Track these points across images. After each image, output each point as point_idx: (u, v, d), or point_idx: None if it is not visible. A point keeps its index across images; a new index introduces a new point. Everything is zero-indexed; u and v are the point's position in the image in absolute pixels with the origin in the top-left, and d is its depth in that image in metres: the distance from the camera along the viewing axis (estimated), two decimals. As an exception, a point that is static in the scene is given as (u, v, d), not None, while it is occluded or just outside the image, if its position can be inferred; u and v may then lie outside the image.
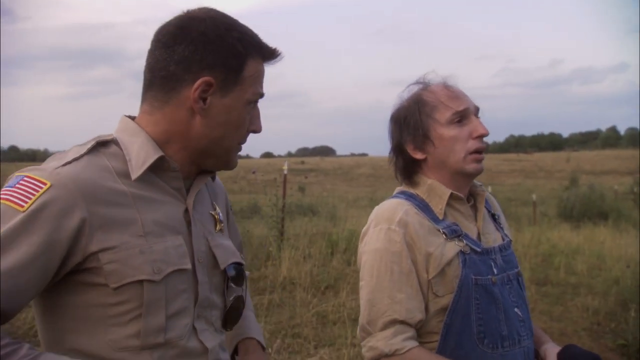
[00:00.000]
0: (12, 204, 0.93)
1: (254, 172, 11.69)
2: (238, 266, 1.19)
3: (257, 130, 1.15)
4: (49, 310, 1.03)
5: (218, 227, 1.19)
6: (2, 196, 0.95)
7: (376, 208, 1.44)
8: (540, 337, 1.49)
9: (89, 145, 1.05)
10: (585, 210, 13.67)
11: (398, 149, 1.45)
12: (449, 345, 1.33)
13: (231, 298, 1.17)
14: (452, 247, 1.35)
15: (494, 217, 1.54)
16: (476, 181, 1.50)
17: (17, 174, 0.99)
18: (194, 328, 1.08)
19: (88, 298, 0.99)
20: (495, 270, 1.39)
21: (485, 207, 1.51)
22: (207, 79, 1.05)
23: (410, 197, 1.43)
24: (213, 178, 1.26)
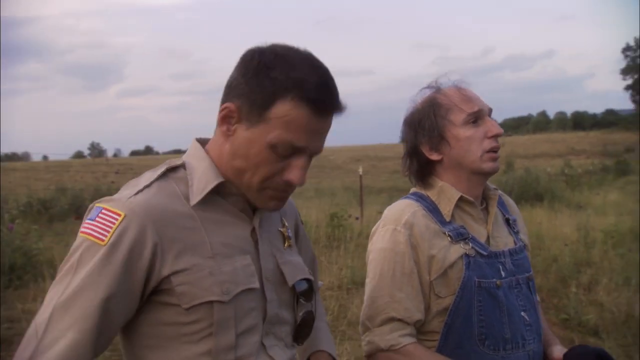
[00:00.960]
0: (94, 239, 1.00)
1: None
2: (307, 282, 1.21)
3: (291, 180, 1.08)
4: (128, 327, 1.06)
5: (287, 244, 1.21)
6: (86, 230, 1.01)
7: (387, 208, 1.47)
8: (549, 341, 1.53)
9: (159, 172, 1.09)
10: (522, 193, 14.24)
11: (413, 151, 1.48)
12: (449, 344, 1.37)
13: (301, 313, 1.19)
14: (457, 250, 1.38)
15: (507, 221, 1.56)
16: (490, 184, 1.53)
17: (96, 204, 1.04)
18: (263, 345, 1.10)
19: (162, 316, 1.03)
20: (503, 274, 1.41)
21: (501, 210, 1.55)
22: (230, 105, 1.06)
23: (420, 198, 1.46)
24: None
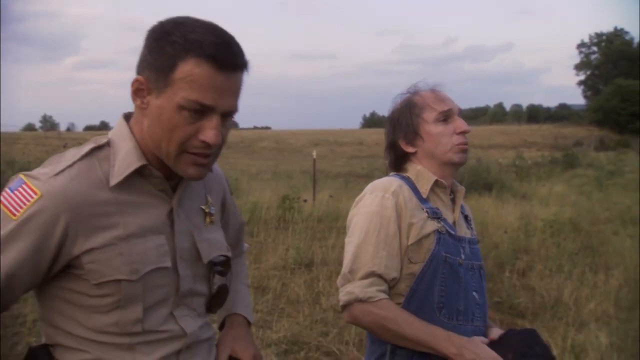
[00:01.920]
0: (7, 212, 1.05)
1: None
2: (223, 258, 1.26)
3: (206, 140, 1.07)
4: (42, 291, 1.13)
5: (208, 220, 1.26)
6: (3, 200, 1.05)
7: (372, 182, 1.64)
8: (490, 325, 1.67)
9: (83, 151, 1.12)
10: (472, 182, 14.60)
11: (392, 146, 1.67)
12: (411, 308, 1.50)
13: (216, 287, 1.25)
14: (432, 225, 1.55)
15: (466, 218, 1.74)
16: (457, 182, 1.70)
17: (20, 176, 1.07)
18: (173, 315, 1.16)
19: (72, 285, 1.09)
20: (463, 256, 1.58)
21: (461, 207, 1.71)
22: (138, 77, 1.09)
23: (402, 178, 1.63)
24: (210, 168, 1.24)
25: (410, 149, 1.64)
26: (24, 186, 1.05)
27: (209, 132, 1.07)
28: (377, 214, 1.52)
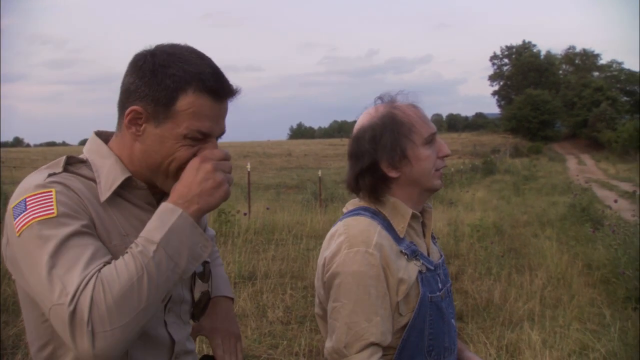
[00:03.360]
0: (44, 217, 1.01)
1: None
2: (204, 264, 1.30)
3: None
4: (24, 301, 1.13)
5: None
6: (27, 221, 1.02)
7: (344, 227, 1.44)
8: (459, 344, 1.63)
9: (62, 164, 1.14)
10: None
11: (372, 168, 1.45)
12: (403, 358, 1.41)
13: (198, 293, 1.28)
14: (413, 268, 1.42)
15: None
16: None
17: (14, 204, 1.06)
18: (165, 322, 1.19)
19: None
20: (440, 286, 1.48)
21: None
22: (136, 108, 1.13)
23: (374, 214, 1.46)
24: None
25: (393, 174, 1.45)
26: (30, 198, 1.05)
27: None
28: (364, 275, 1.36)
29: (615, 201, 9.75)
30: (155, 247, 1.02)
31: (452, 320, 1.52)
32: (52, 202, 1.04)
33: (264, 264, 6.48)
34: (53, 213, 1.03)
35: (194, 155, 1.15)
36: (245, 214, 9.16)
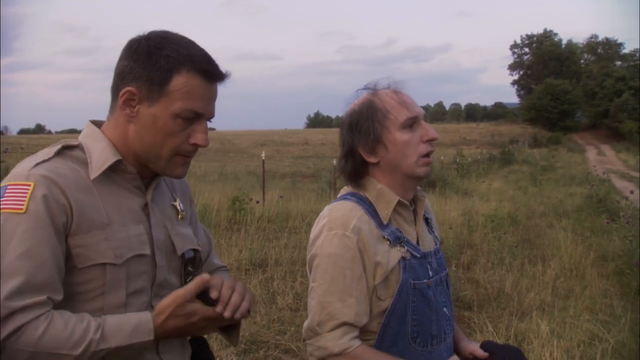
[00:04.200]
0: (12, 211, 1.06)
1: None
2: (195, 252, 1.33)
3: (198, 143, 1.21)
4: None
5: (180, 216, 1.33)
6: None
7: (328, 210, 1.47)
8: (457, 332, 1.63)
9: (55, 149, 1.17)
10: (416, 180, 14.99)
11: (350, 153, 1.49)
12: (384, 344, 1.42)
13: (188, 279, 1.30)
14: (395, 254, 1.43)
15: (427, 220, 1.62)
16: (419, 190, 1.57)
17: (1, 185, 1.09)
18: (151, 305, 1.20)
19: None
20: (430, 274, 1.48)
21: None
22: (130, 88, 1.17)
23: (360, 200, 1.47)
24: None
25: (372, 159, 1.47)
26: (10, 187, 1.09)
27: (199, 135, 1.21)
28: (339, 257, 1.39)
29: (632, 192, 9.61)
30: (106, 350, 1.08)
31: (445, 309, 1.52)
32: (25, 197, 1.07)
33: (276, 252, 6.54)
34: (21, 209, 1.06)
35: (185, 138, 1.19)
36: (258, 202, 9.22)
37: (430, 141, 1.48)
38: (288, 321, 4.46)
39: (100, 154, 1.19)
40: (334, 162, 14.50)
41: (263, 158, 12.06)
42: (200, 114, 1.19)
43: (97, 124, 1.26)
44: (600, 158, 36.55)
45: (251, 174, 19.74)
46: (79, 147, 1.21)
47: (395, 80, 1.54)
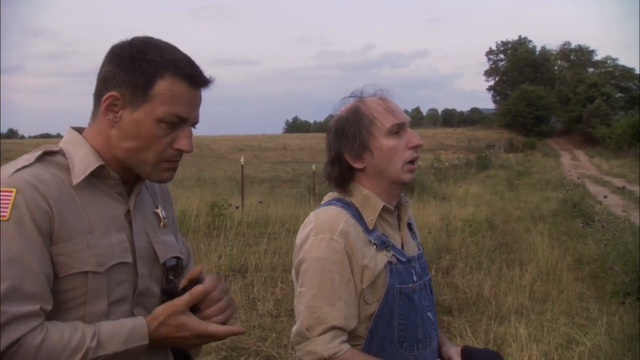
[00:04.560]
0: None
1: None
2: (176, 259, 1.31)
3: (182, 149, 1.19)
4: None
5: (162, 224, 1.31)
6: None
7: (315, 215, 1.48)
8: (440, 337, 1.63)
9: (36, 154, 1.14)
10: (395, 185, 15.07)
11: (336, 158, 1.51)
12: (372, 348, 1.43)
13: (167, 287, 1.28)
14: (382, 258, 1.45)
15: (409, 226, 1.64)
16: (402, 196, 1.59)
17: None
18: (133, 314, 1.19)
19: None
20: (414, 278, 1.50)
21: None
22: (113, 93, 1.15)
23: (346, 205, 1.49)
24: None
25: (358, 165, 1.49)
26: None
27: (183, 140, 1.20)
28: (328, 260, 1.40)
29: (605, 197, 9.80)
30: (103, 356, 1.07)
31: (429, 313, 1.53)
32: (8, 204, 1.05)
33: (255, 257, 6.51)
34: (5, 216, 1.05)
35: (169, 143, 1.18)
36: (237, 208, 9.17)
37: (415, 148, 1.50)
38: (269, 327, 4.43)
39: (82, 160, 1.17)
40: (313, 167, 14.53)
41: (242, 163, 12.02)
42: (184, 119, 1.18)
43: (78, 130, 1.24)
44: (574, 163, 37.25)
45: (229, 179, 19.64)
46: (60, 152, 1.19)
47: (381, 87, 1.56)
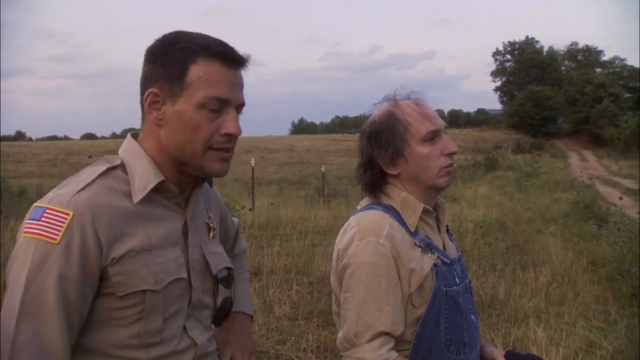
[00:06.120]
0: (45, 239, 1.03)
1: (90, 157, 10.97)
2: (227, 270, 1.31)
3: (229, 132, 1.15)
4: None
5: (211, 235, 1.30)
6: (31, 231, 1.03)
7: (356, 220, 1.46)
8: (480, 339, 1.61)
9: (99, 170, 1.13)
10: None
11: (369, 164, 1.49)
12: (419, 353, 1.40)
13: (221, 299, 1.29)
14: (428, 261, 1.42)
15: (446, 228, 1.61)
16: (438, 198, 1.57)
17: (37, 205, 1.06)
18: (185, 327, 1.19)
19: (96, 303, 1.09)
20: (457, 280, 1.48)
21: None
22: (152, 90, 1.14)
23: (387, 208, 1.46)
24: (210, 183, 1.34)
25: (392, 171, 1.48)
26: (48, 211, 1.06)
27: (229, 123, 1.15)
28: (375, 265, 1.36)
29: (621, 198, 9.74)
30: None
31: (472, 316, 1.52)
32: (61, 228, 1.04)
33: (269, 260, 6.50)
34: (55, 240, 1.03)
35: (216, 130, 1.15)
36: (250, 210, 9.18)
37: (450, 154, 1.48)
38: (287, 331, 4.43)
39: (142, 175, 1.16)
40: (323, 168, 14.53)
41: (252, 165, 12.02)
42: (225, 100, 1.15)
43: (134, 135, 1.23)
44: (583, 164, 37.04)
45: (238, 181, 19.65)
46: (120, 166, 1.18)
47: (415, 90, 1.53)
